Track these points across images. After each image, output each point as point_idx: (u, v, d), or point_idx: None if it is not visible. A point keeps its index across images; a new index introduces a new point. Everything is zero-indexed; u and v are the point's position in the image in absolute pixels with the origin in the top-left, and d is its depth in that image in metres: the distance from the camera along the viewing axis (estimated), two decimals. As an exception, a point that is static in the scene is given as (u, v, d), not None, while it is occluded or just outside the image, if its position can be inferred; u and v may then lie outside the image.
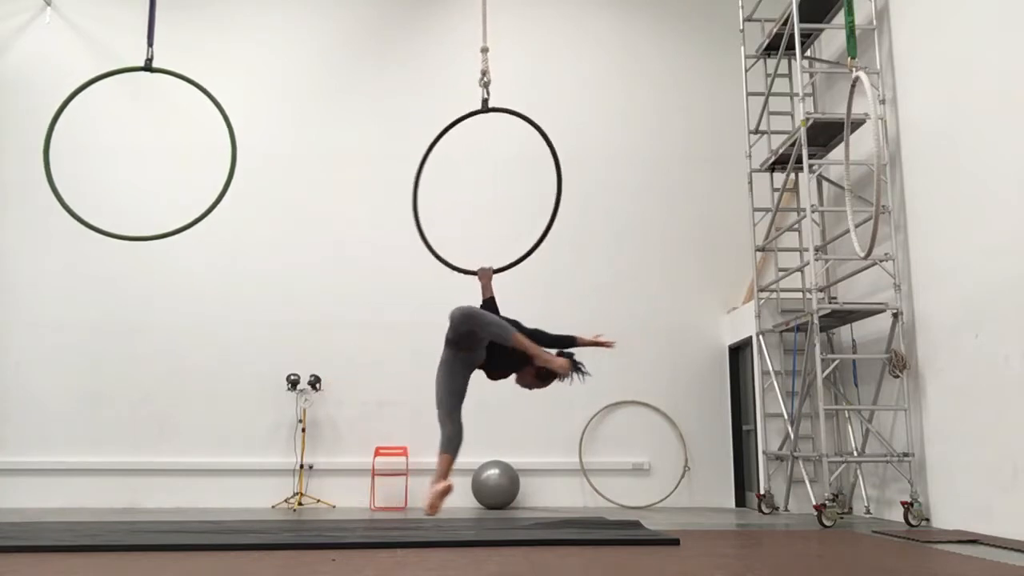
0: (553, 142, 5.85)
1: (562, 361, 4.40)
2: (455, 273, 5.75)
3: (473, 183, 10.24)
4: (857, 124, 7.88)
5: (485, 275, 5.16)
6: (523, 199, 9.24)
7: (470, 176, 10.18)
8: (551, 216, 5.79)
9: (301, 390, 9.64)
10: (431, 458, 9.96)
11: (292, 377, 9.59)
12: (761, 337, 9.02)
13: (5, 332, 9.91)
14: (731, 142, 10.00)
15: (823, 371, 7.84)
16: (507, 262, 5.68)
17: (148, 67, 6.04)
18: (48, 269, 10.03)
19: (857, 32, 7.39)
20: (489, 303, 5.01)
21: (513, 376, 4.63)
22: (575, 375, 4.45)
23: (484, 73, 5.86)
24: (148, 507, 9.24)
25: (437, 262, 5.82)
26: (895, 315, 7.55)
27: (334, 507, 9.36)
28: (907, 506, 7.11)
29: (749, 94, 9.63)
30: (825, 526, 7.10)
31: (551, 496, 9.68)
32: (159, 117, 10.30)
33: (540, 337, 4.58)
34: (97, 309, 9.92)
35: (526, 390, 4.71)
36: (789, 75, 9.65)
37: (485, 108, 5.86)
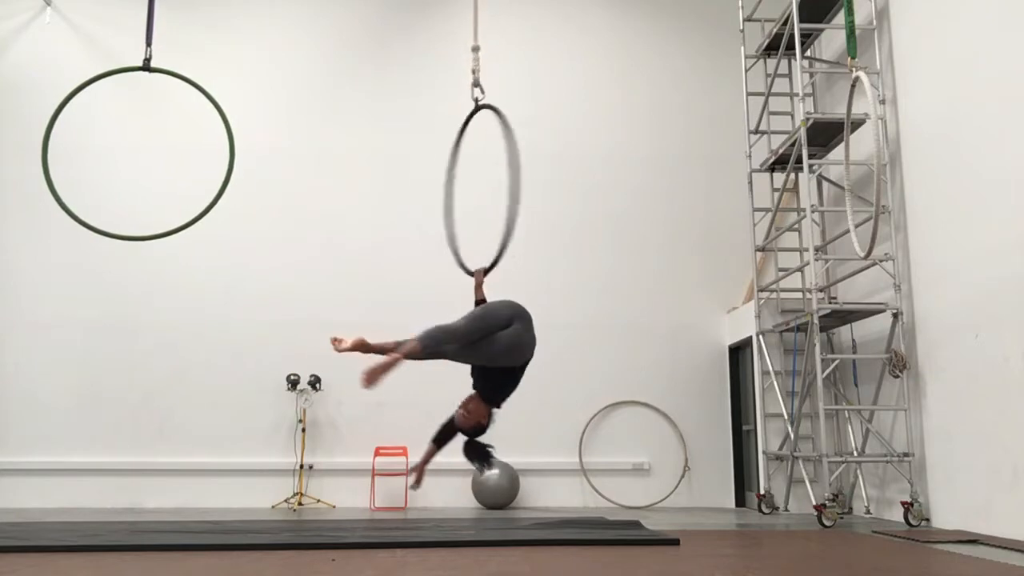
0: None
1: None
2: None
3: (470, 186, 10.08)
4: (857, 124, 7.88)
5: (479, 276, 5.19)
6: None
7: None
8: (509, 213, 5.36)
9: (301, 390, 9.64)
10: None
11: (292, 377, 9.59)
12: (761, 337, 9.02)
13: (5, 332, 9.89)
14: (731, 142, 10.01)
15: (823, 371, 7.84)
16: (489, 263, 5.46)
17: (147, 67, 6.06)
18: (48, 268, 10.01)
19: (857, 32, 7.39)
20: (481, 304, 5.00)
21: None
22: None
23: (474, 72, 5.91)
24: (148, 507, 9.23)
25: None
26: (895, 315, 7.55)
27: (334, 507, 9.36)
28: (907, 506, 7.11)
29: (749, 94, 9.63)
30: (825, 526, 7.10)
31: (551, 496, 9.67)
32: (159, 117, 10.28)
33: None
34: (97, 309, 9.91)
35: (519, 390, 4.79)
36: (789, 75, 9.64)
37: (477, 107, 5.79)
